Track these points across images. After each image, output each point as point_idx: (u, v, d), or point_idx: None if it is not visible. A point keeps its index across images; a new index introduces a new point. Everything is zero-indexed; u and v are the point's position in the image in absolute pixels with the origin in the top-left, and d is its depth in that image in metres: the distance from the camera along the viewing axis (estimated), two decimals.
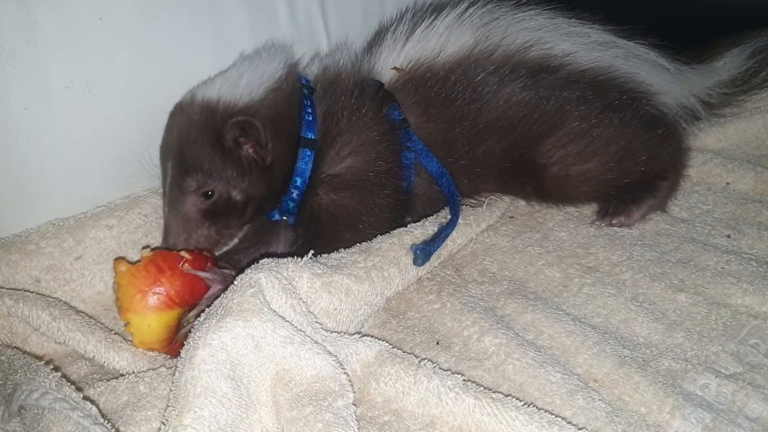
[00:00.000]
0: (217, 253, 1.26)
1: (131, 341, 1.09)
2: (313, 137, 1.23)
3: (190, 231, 1.19)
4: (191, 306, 1.09)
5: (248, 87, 1.21)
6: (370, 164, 1.25)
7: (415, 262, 1.16)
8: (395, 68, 1.30)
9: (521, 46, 1.29)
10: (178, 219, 1.19)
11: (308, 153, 1.23)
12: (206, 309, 1.00)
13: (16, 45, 1.14)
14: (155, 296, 1.06)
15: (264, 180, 1.21)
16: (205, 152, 1.17)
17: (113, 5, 1.22)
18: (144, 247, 1.18)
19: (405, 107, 1.28)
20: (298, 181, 1.23)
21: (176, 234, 1.19)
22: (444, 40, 1.30)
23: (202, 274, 1.10)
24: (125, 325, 1.07)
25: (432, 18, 1.32)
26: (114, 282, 1.10)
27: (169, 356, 1.09)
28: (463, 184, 1.32)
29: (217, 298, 1.00)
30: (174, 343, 1.08)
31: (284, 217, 1.27)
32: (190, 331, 0.96)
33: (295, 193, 1.23)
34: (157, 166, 1.24)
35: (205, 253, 1.16)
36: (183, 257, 1.10)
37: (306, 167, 1.23)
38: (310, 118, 1.24)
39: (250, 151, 1.19)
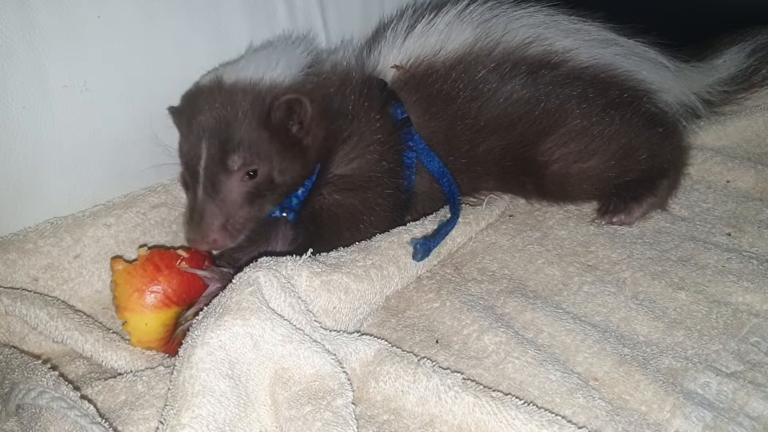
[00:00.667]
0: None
1: (129, 340, 1.08)
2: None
3: (228, 214, 1.14)
4: (189, 304, 1.08)
5: (288, 67, 1.20)
6: (374, 165, 1.25)
7: (414, 257, 1.16)
8: (396, 66, 1.30)
9: (521, 42, 1.29)
10: (215, 200, 1.13)
11: None
12: (204, 307, 1.00)
13: (14, 43, 1.14)
14: (152, 295, 1.05)
15: (299, 164, 1.19)
16: (251, 130, 1.13)
17: (112, 4, 1.22)
18: (141, 246, 1.18)
19: (407, 106, 1.28)
20: (307, 180, 1.22)
21: (212, 216, 1.13)
22: (444, 37, 1.30)
23: (199, 272, 1.09)
24: (123, 323, 1.07)
25: (432, 15, 1.32)
26: (111, 281, 1.10)
27: (167, 355, 1.09)
28: (464, 183, 1.32)
29: (215, 296, 1.00)
30: (172, 341, 1.08)
31: (284, 214, 1.26)
32: (188, 330, 0.95)
33: (300, 191, 1.23)
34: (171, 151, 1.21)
35: (202, 252, 1.15)
36: (180, 255, 1.09)
37: (315, 167, 1.22)
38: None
39: (295, 130, 1.17)
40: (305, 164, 1.21)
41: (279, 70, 1.20)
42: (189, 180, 1.18)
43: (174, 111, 1.23)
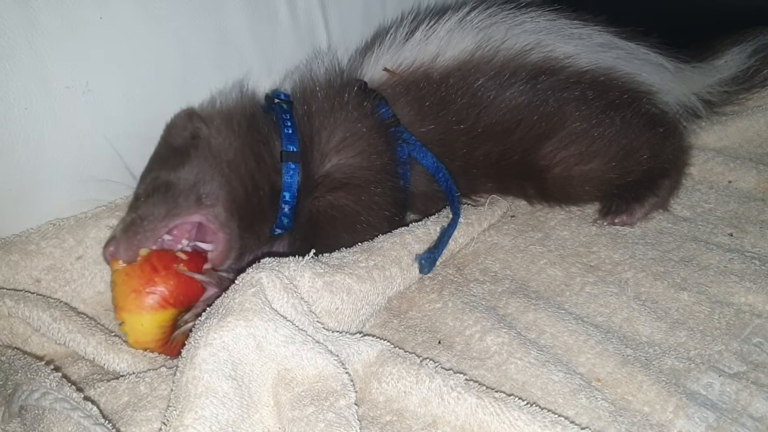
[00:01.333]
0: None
1: (126, 341, 1.08)
2: (294, 149, 1.22)
3: None
4: (186, 307, 1.08)
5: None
6: (361, 160, 1.24)
7: (421, 272, 1.16)
8: (386, 69, 1.30)
9: (522, 49, 1.29)
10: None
11: (292, 166, 1.22)
12: (202, 311, 1.00)
13: (16, 45, 1.14)
14: (149, 296, 1.05)
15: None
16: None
17: (114, 5, 1.22)
18: None
19: (399, 108, 1.27)
20: (287, 195, 1.22)
21: None
22: (444, 44, 1.30)
23: (197, 276, 1.09)
24: (120, 324, 1.07)
25: (432, 21, 1.32)
26: (111, 281, 1.10)
27: (167, 357, 1.09)
28: (461, 184, 1.31)
29: (212, 300, 1.00)
30: (171, 343, 1.08)
31: (279, 231, 1.27)
32: (188, 332, 0.95)
33: (286, 208, 1.23)
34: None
35: (202, 254, 1.15)
36: (178, 257, 1.09)
37: (292, 180, 1.22)
38: (290, 131, 1.23)
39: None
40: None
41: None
42: None
43: None
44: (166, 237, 1.13)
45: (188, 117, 1.23)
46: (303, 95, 1.28)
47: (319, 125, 1.24)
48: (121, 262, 1.10)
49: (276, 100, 1.28)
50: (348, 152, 1.25)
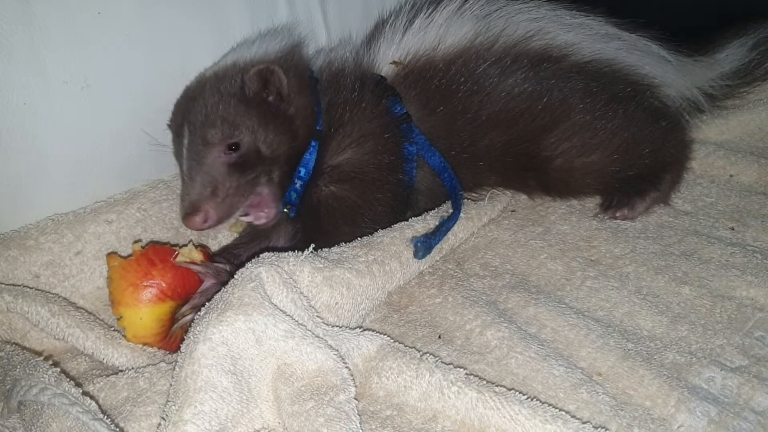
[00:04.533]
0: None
1: (125, 335, 1.08)
2: (318, 128, 1.23)
3: (216, 184, 1.14)
4: (184, 299, 1.08)
5: (261, 49, 1.23)
6: (370, 157, 1.25)
7: (415, 255, 1.16)
8: (394, 62, 1.30)
9: (523, 36, 1.28)
10: (200, 174, 1.14)
11: (313, 143, 1.22)
12: (200, 302, 1.00)
13: (14, 40, 1.14)
14: (147, 289, 1.06)
15: (288, 135, 1.20)
16: (227, 105, 1.15)
17: (112, 0, 1.21)
18: (135, 242, 1.18)
19: (406, 101, 1.27)
20: (302, 171, 1.22)
21: (201, 188, 1.13)
22: (443, 32, 1.29)
23: (194, 267, 1.10)
24: (118, 319, 1.07)
25: (430, 10, 1.32)
26: (107, 276, 1.10)
27: (166, 351, 1.09)
28: (466, 178, 1.31)
29: (210, 292, 1.00)
30: (169, 337, 1.08)
31: (285, 210, 1.26)
32: (186, 325, 0.95)
33: (298, 184, 1.22)
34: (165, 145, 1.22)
35: (199, 248, 1.15)
36: (175, 250, 1.10)
37: (311, 157, 1.22)
38: (316, 109, 1.23)
39: (273, 100, 1.18)
40: (294, 135, 1.21)
41: (252, 52, 1.22)
42: (179, 167, 1.20)
43: (168, 123, 1.25)
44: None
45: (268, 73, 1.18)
46: (332, 79, 1.28)
47: (345, 118, 1.25)
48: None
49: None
50: (362, 149, 1.25)
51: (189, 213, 1.13)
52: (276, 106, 1.19)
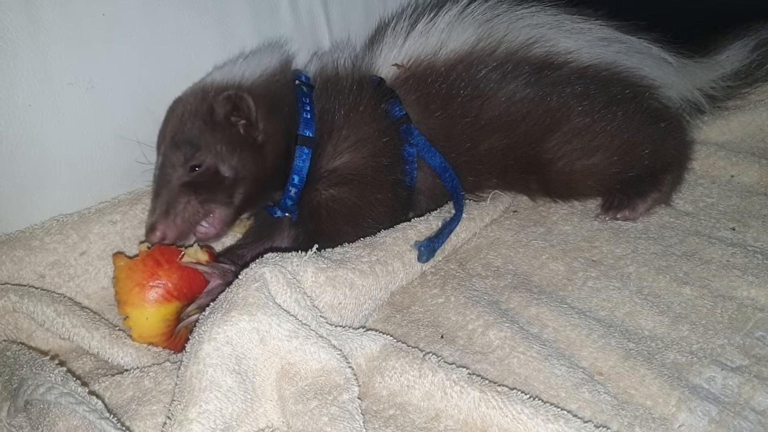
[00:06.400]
0: (212, 245, 1.26)
1: (130, 335, 1.09)
2: (310, 135, 1.23)
3: (173, 205, 1.16)
4: (190, 300, 1.09)
5: (241, 71, 1.23)
6: (368, 160, 1.25)
7: (419, 259, 1.16)
8: (396, 65, 1.30)
9: (524, 43, 1.29)
10: (162, 194, 1.18)
11: (305, 151, 1.23)
12: (205, 302, 1.01)
13: (19, 42, 1.14)
14: (153, 289, 1.06)
15: (255, 161, 1.21)
16: (195, 128, 1.18)
17: (117, 2, 1.22)
18: (142, 242, 1.18)
19: (406, 104, 1.28)
20: (296, 179, 1.23)
21: (159, 208, 1.17)
22: (445, 37, 1.30)
23: (200, 267, 1.10)
24: (124, 319, 1.08)
25: (433, 14, 1.32)
26: (113, 276, 1.10)
27: (171, 351, 1.09)
28: (467, 181, 1.32)
29: (215, 292, 1.01)
30: (174, 337, 1.08)
31: (286, 215, 1.27)
32: (191, 325, 0.96)
33: (293, 191, 1.23)
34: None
35: (204, 248, 1.16)
36: (181, 251, 1.10)
37: (303, 165, 1.23)
38: (308, 116, 1.24)
39: (241, 128, 1.19)
40: (262, 159, 1.22)
41: (232, 74, 1.23)
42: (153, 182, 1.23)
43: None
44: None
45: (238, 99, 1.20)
46: (326, 84, 1.28)
47: (340, 122, 1.25)
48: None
49: (296, 81, 1.28)
50: (360, 152, 1.25)
51: (147, 232, 1.17)
52: (244, 130, 1.20)
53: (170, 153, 1.18)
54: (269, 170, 1.23)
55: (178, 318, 1.08)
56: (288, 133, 1.23)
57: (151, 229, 1.16)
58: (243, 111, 1.18)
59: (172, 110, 1.23)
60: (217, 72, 1.26)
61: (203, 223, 1.19)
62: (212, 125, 1.18)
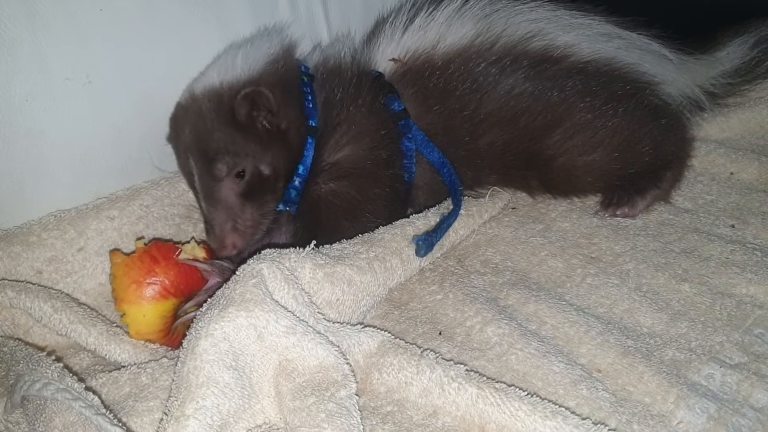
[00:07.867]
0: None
1: (128, 332, 1.09)
2: (314, 124, 1.23)
3: (234, 217, 1.18)
4: (187, 297, 1.09)
5: (246, 63, 1.22)
6: (367, 153, 1.25)
7: (417, 253, 1.16)
8: (393, 59, 1.30)
9: (523, 37, 1.29)
10: (218, 209, 1.18)
11: (310, 140, 1.23)
12: (203, 299, 1.00)
13: (16, 37, 1.14)
14: (150, 286, 1.06)
15: (285, 150, 1.21)
16: (224, 135, 1.16)
17: None
18: (138, 239, 1.18)
19: (404, 98, 1.28)
20: (300, 168, 1.22)
21: (222, 223, 1.17)
22: (444, 31, 1.29)
23: (198, 264, 1.10)
24: (121, 316, 1.07)
25: (431, 9, 1.32)
26: (110, 273, 1.10)
27: (168, 348, 1.09)
28: (466, 177, 1.31)
29: (213, 289, 1.00)
30: (172, 333, 1.08)
31: (287, 208, 1.27)
32: (189, 322, 0.96)
33: (297, 181, 1.23)
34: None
35: (201, 244, 1.16)
36: (178, 247, 1.10)
37: (308, 154, 1.23)
38: (311, 105, 1.24)
39: (264, 122, 1.19)
40: (289, 147, 1.22)
41: (237, 68, 1.21)
42: (194, 195, 1.23)
43: (168, 137, 1.26)
44: None
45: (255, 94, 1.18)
46: (327, 77, 1.28)
47: (342, 115, 1.25)
48: None
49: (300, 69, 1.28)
50: (359, 145, 1.25)
51: (218, 249, 1.18)
52: (268, 122, 1.19)
53: (208, 166, 1.16)
54: (296, 156, 1.23)
55: (176, 315, 1.08)
56: (299, 118, 1.23)
57: (220, 246, 1.17)
58: (263, 104, 1.17)
59: (183, 119, 1.21)
60: (216, 68, 1.24)
61: (263, 221, 1.22)
62: (239, 128, 1.17)
